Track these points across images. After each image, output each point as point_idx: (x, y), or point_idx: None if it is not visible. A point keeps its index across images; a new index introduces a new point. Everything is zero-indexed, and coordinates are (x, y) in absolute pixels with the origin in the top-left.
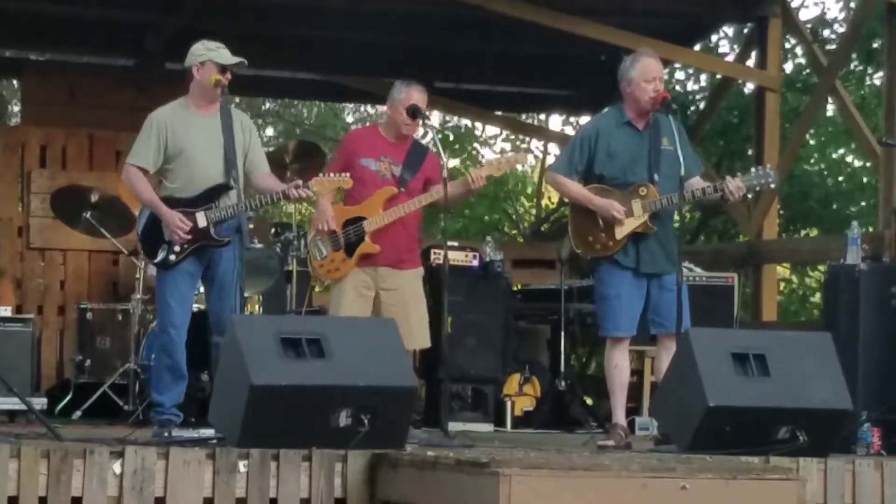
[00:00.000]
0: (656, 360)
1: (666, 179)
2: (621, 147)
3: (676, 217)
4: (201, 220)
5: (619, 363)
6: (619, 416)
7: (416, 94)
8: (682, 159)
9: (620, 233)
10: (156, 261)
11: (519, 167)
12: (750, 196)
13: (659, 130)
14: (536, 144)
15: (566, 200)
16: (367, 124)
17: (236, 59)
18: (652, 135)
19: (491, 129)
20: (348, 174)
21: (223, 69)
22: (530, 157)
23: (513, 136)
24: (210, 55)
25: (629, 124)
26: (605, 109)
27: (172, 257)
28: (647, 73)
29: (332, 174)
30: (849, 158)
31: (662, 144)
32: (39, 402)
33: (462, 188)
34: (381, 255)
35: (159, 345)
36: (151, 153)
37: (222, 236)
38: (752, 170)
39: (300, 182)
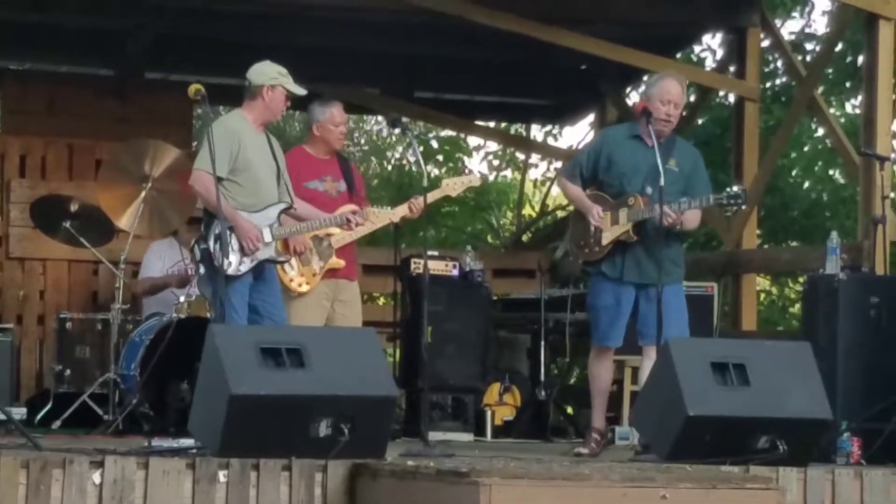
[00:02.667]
0: (640, 370)
1: (665, 200)
2: (623, 158)
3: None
4: (267, 235)
5: (597, 373)
6: (597, 422)
7: (337, 113)
8: (685, 180)
9: (605, 239)
10: (229, 271)
11: (472, 185)
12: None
13: (671, 150)
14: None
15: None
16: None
17: (304, 91)
18: (660, 152)
19: (474, 140)
20: (395, 209)
21: (289, 97)
22: (476, 176)
23: (494, 148)
24: (283, 81)
25: (638, 138)
26: (627, 122)
27: (242, 268)
28: (664, 94)
29: (384, 207)
30: (830, 172)
31: (668, 164)
32: (19, 412)
33: (403, 213)
34: (342, 269)
35: None
36: (225, 161)
37: (282, 253)
38: (727, 189)
39: (357, 209)
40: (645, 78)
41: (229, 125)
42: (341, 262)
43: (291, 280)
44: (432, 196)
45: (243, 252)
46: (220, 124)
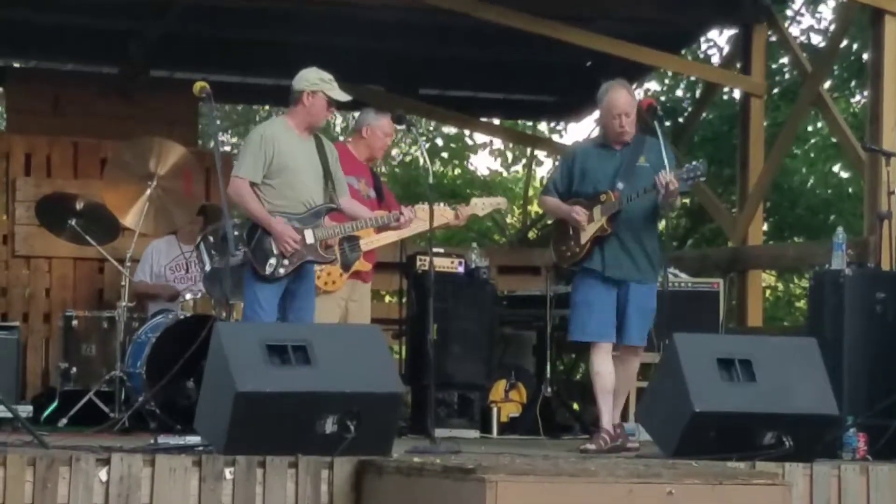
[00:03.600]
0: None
1: (633, 190)
2: (594, 166)
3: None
4: (309, 237)
5: (599, 369)
6: (604, 421)
7: (388, 125)
8: (661, 168)
9: (584, 237)
10: (265, 273)
11: (499, 207)
12: (679, 186)
13: (639, 149)
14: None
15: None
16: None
17: (347, 97)
18: (628, 153)
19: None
20: (448, 207)
21: (331, 103)
22: (504, 200)
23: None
24: (323, 87)
25: (605, 146)
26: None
27: (282, 270)
28: (612, 108)
29: (439, 205)
30: (836, 169)
31: (639, 162)
32: (25, 410)
33: (448, 218)
34: (365, 272)
35: None
36: (260, 167)
37: (326, 254)
38: (686, 165)
39: (406, 210)
40: (650, 74)
41: (266, 131)
42: (367, 265)
43: (319, 277)
44: (467, 210)
45: (283, 255)
46: (256, 130)
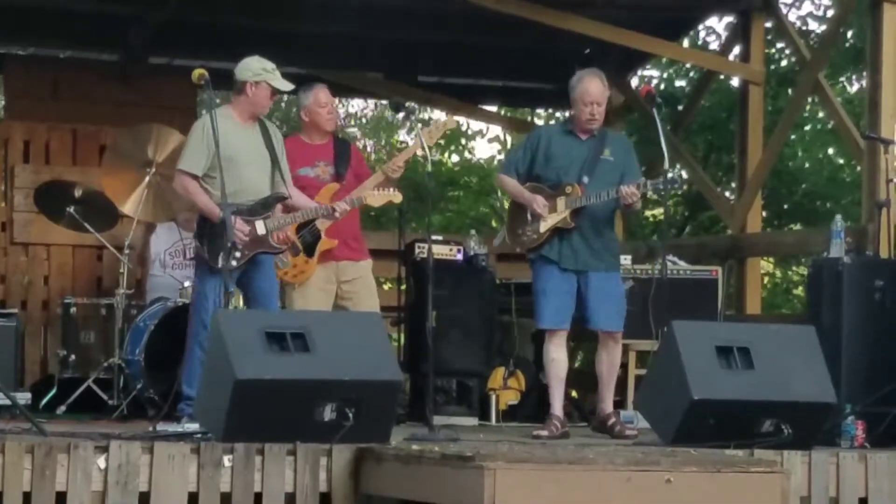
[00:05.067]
0: (596, 357)
1: (598, 185)
2: (560, 152)
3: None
4: (260, 228)
5: (554, 356)
6: (556, 408)
7: (322, 94)
8: (621, 168)
9: (544, 226)
10: (218, 265)
11: (448, 131)
12: (653, 196)
13: (603, 142)
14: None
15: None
16: (291, 134)
17: (290, 87)
18: (593, 144)
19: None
20: (396, 189)
21: (275, 93)
22: (458, 119)
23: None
24: (266, 76)
25: (572, 133)
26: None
27: (234, 263)
28: (584, 96)
29: (383, 189)
30: (831, 152)
31: (603, 154)
32: (23, 397)
33: (380, 178)
34: (338, 250)
35: (198, 341)
36: (203, 160)
37: (279, 244)
38: (662, 176)
39: (339, 204)
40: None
41: (204, 122)
42: (334, 242)
43: (286, 273)
44: (390, 163)
45: (234, 247)
46: (198, 123)
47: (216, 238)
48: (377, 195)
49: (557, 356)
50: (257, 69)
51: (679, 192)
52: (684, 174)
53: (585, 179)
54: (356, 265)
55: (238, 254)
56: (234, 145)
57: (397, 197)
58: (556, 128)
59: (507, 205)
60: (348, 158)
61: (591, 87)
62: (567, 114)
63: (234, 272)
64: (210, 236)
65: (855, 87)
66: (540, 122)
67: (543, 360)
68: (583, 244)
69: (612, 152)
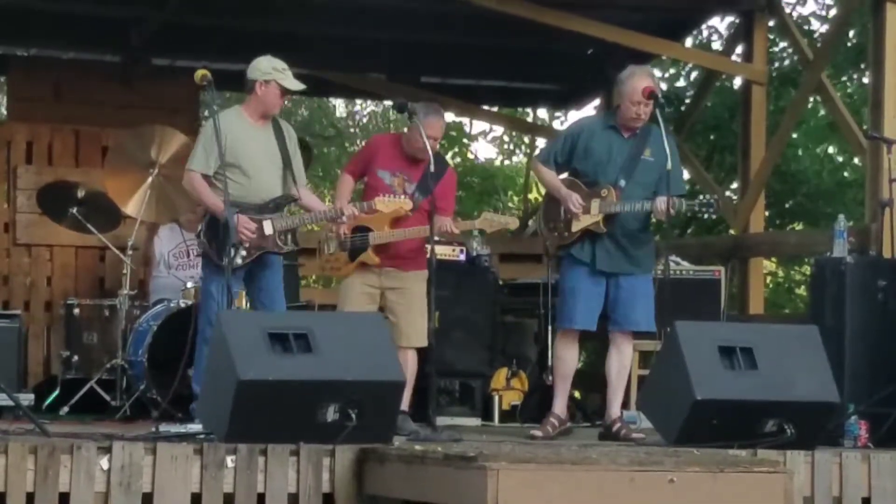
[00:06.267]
0: (607, 357)
1: (635, 186)
2: (600, 147)
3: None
4: (268, 227)
5: (562, 354)
6: (558, 406)
7: (435, 128)
8: (660, 170)
9: (576, 227)
10: (223, 263)
11: (508, 227)
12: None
13: (646, 140)
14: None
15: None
16: (392, 131)
17: (301, 87)
18: (636, 143)
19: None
20: (407, 197)
21: (285, 92)
22: (515, 220)
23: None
24: (276, 76)
25: (614, 128)
26: (604, 111)
27: (239, 261)
28: (633, 94)
29: (393, 195)
30: (832, 151)
31: (644, 154)
32: (26, 398)
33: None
34: (383, 259)
35: (205, 339)
36: (212, 159)
37: (285, 245)
38: (699, 197)
39: (348, 207)
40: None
41: (218, 122)
42: (376, 259)
43: (326, 260)
44: (467, 225)
45: (241, 245)
46: (208, 122)
47: (223, 237)
48: (387, 202)
49: (566, 355)
50: (267, 69)
51: (712, 216)
52: (717, 202)
53: (622, 183)
54: (403, 275)
55: (244, 252)
56: (245, 145)
57: (407, 204)
58: (600, 121)
59: (511, 203)
60: (432, 188)
61: (640, 86)
62: (613, 106)
63: (240, 271)
64: (218, 235)
65: (856, 86)
66: (543, 123)
67: (552, 356)
68: (615, 248)
69: (654, 152)
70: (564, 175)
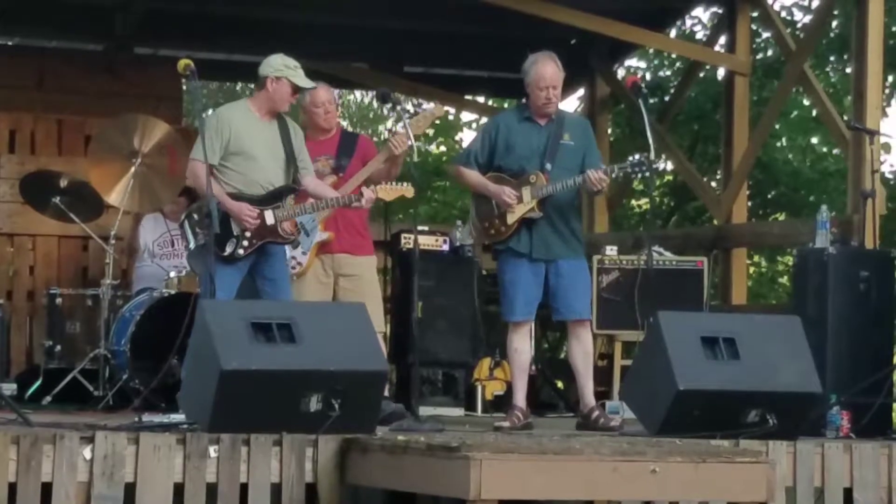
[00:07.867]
0: (567, 347)
1: (560, 171)
2: (520, 140)
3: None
4: (269, 217)
5: (518, 347)
6: (519, 399)
7: (318, 94)
8: (581, 151)
9: (511, 218)
10: (224, 254)
11: (437, 121)
12: (619, 178)
13: (562, 126)
14: None
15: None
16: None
17: (312, 84)
18: (553, 129)
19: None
20: (409, 183)
21: (296, 90)
22: (447, 109)
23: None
24: (287, 73)
25: (529, 119)
26: (514, 105)
27: (241, 251)
28: (539, 80)
29: (394, 183)
30: (814, 141)
31: (563, 139)
32: (9, 388)
33: (387, 154)
34: (336, 243)
35: None
36: (216, 149)
37: (288, 234)
38: (630, 157)
39: (367, 191)
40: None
41: (223, 114)
42: (330, 234)
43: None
44: (396, 138)
45: (243, 235)
46: (213, 114)
47: (224, 227)
48: (389, 189)
49: (521, 346)
50: (279, 65)
51: (646, 174)
52: (670, 165)
53: (548, 166)
54: (355, 260)
55: (246, 242)
56: (249, 139)
57: (409, 191)
58: (513, 115)
59: None
60: (353, 150)
61: (546, 71)
62: (522, 100)
63: (243, 261)
64: (219, 224)
65: (838, 76)
66: None
67: (507, 351)
68: (552, 232)
69: (572, 136)
70: (484, 174)
